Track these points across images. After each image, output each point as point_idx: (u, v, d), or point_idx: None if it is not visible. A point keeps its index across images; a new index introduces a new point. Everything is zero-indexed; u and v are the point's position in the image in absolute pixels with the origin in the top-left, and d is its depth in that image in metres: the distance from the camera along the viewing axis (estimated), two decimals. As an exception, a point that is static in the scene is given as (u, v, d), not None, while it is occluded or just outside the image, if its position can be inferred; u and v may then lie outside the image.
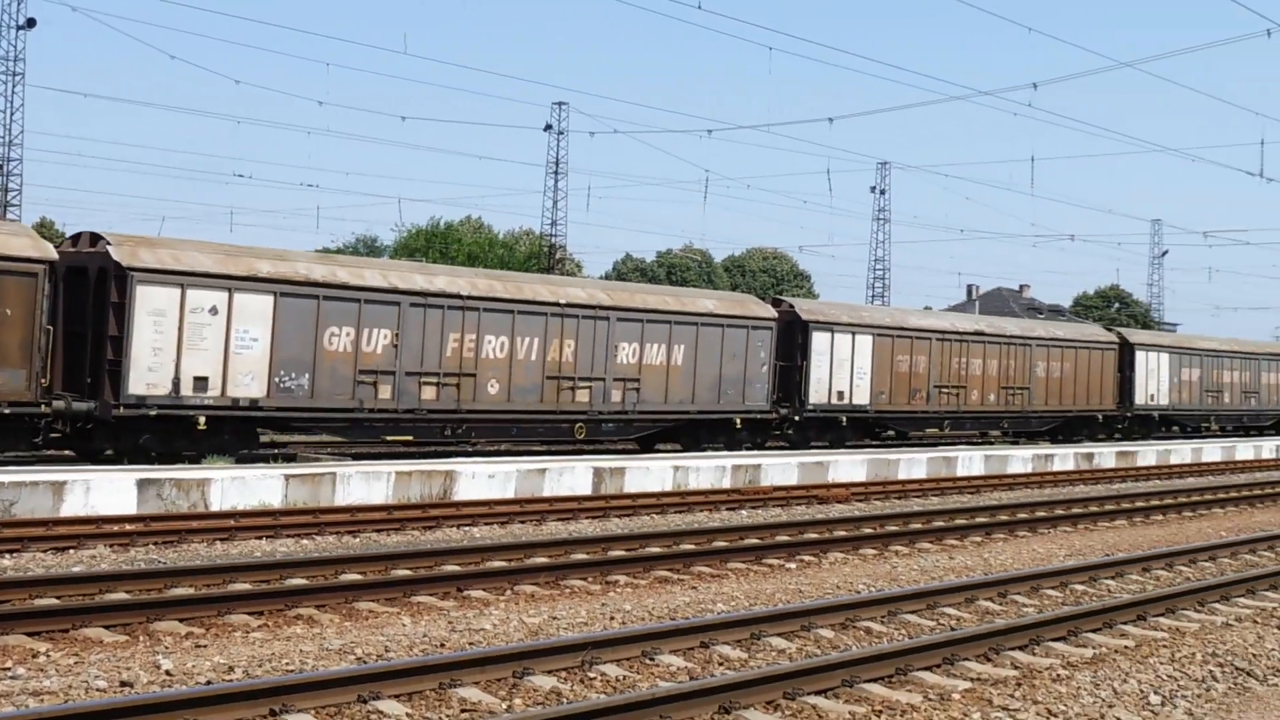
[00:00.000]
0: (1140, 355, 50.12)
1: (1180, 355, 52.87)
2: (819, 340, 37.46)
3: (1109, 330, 53.13)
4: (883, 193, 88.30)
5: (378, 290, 27.38)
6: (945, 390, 41.39)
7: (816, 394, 37.29)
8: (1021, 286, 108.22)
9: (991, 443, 45.00)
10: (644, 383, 32.85)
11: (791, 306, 38.30)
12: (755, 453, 33.57)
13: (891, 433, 41.83)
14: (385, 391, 27.44)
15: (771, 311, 36.85)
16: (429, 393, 28.25)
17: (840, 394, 37.96)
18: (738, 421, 35.20)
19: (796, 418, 37.04)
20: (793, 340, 37.11)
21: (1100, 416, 49.19)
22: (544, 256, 79.02)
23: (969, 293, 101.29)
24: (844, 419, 38.43)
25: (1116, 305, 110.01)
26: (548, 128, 77.71)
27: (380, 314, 27.35)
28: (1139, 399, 49.82)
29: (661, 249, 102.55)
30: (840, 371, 37.92)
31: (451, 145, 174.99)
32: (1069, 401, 47.06)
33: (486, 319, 29.23)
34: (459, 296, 28.80)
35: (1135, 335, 53.32)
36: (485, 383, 29.16)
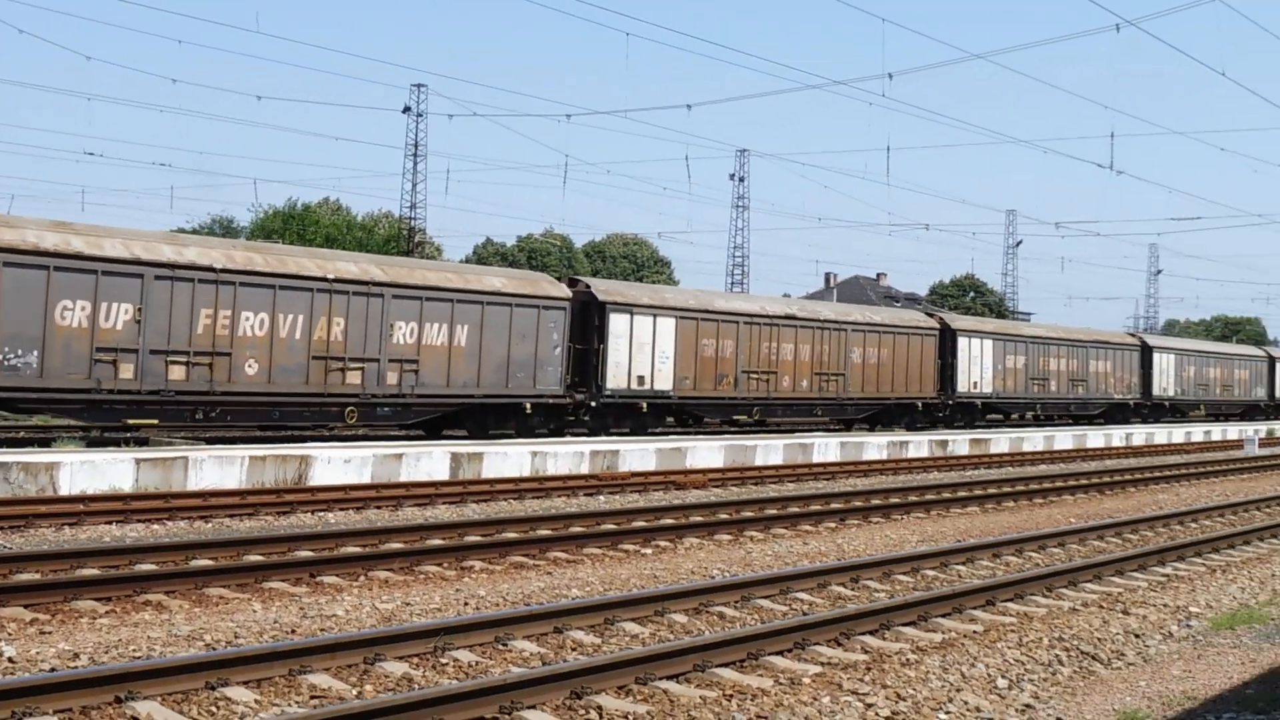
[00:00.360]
0: (963, 341, 49.68)
1: (1005, 342, 52.47)
2: (617, 322, 36.52)
3: (931, 315, 52.25)
4: (742, 180, 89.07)
5: (118, 261, 25.96)
6: (755, 376, 40.54)
7: (615, 378, 36.26)
8: (879, 275, 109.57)
9: (808, 430, 44.96)
10: (423, 364, 31.59)
11: (588, 286, 37.29)
12: (614, 439, 33.64)
13: (718, 421, 41.60)
14: (127, 371, 26.14)
15: (565, 291, 35.78)
16: (177, 373, 26.98)
17: (641, 379, 37.03)
18: (528, 406, 34.02)
19: (593, 403, 36.03)
20: (589, 322, 36.19)
21: (920, 404, 48.41)
22: (403, 239, 78.49)
23: (827, 280, 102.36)
24: (645, 405, 37.45)
25: (972, 294, 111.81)
26: (406, 110, 77.36)
27: (121, 287, 25.95)
28: (961, 386, 49.27)
29: (522, 234, 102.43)
30: (640, 355, 36.98)
31: (309, 126, 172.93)
32: (887, 388, 46.20)
33: (244, 294, 28.04)
34: (211, 269, 27.56)
35: (958, 321, 52.61)
36: (242, 363, 28.01)
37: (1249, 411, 74.92)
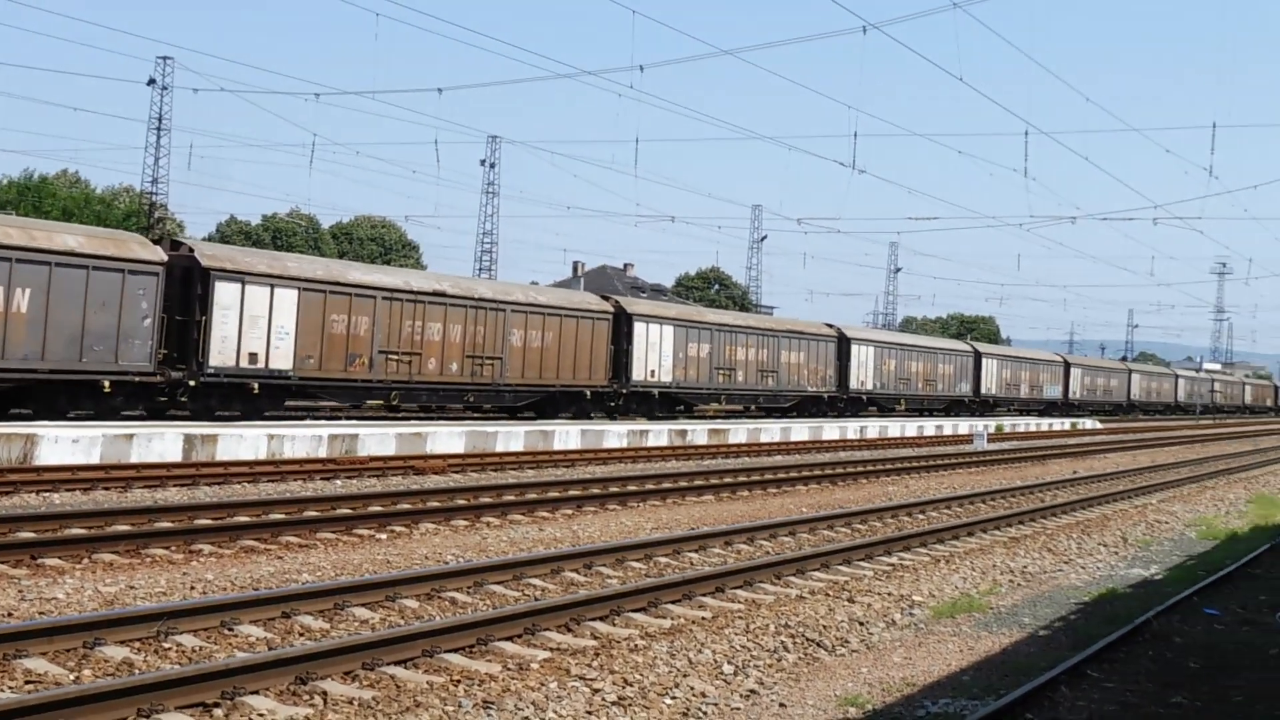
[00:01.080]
0: (640, 326, 46.13)
1: (687, 328, 49.07)
2: (226, 292, 32.20)
3: (606, 299, 47.38)
4: (492, 166, 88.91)
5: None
6: (394, 357, 36.54)
7: (221, 355, 32.09)
8: (626, 265, 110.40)
9: (533, 418, 44.91)
10: None
11: (192, 251, 32.84)
12: (353, 422, 33.36)
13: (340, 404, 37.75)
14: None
15: (159, 254, 31.22)
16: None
17: (253, 356, 32.85)
18: (106, 384, 29.61)
19: (193, 382, 31.81)
20: (192, 290, 31.92)
21: (589, 393, 44.83)
22: (143, 215, 76.47)
23: (574, 269, 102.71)
24: (256, 385, 33.36)
25: (717, 286, 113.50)
26: (151, 82, 75.48)
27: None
28: (637, 374, 45.80)
29: (267, 213, 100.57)
30: (254, 330, 32.79)
31: (46, 95, 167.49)
32: (551, 375, 42.84)
33: None
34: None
35: (634, 305, 49.10)
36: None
37: (953, 407, 74.16)
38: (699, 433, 41.43)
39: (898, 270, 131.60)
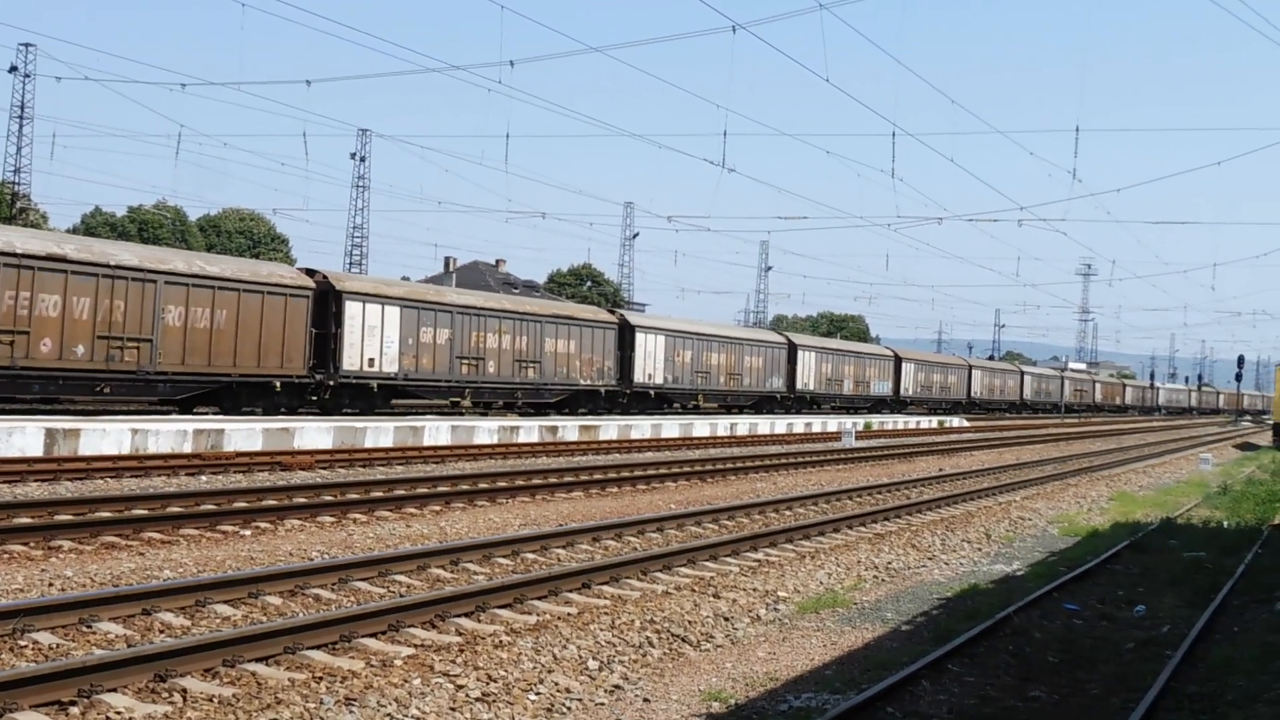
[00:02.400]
0: (353, 306, 39.96)
1: (419, 310, 42.35)
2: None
3: (311, 274, 39.98)
4: (363, 160, 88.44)
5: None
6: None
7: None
8: (498, 261, 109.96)
9: (463, 413, 44.68)
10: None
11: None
12: (220, 418, 32.86)
13: None
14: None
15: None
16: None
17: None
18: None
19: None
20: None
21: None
22: (5, 205, 74.99)
23: (446, 265, 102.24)
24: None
25: (589, 283, 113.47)
26: (13, 69, 74.05)
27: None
28: (349, 364, 39.49)
29: (133, 204, 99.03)
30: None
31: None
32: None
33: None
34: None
35: (346, 281, 42.12)
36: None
37: (763, 404, 68.05)
38: (569, 429, 41.45)
39: (768, 269, 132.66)
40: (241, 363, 35.73)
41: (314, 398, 39.04)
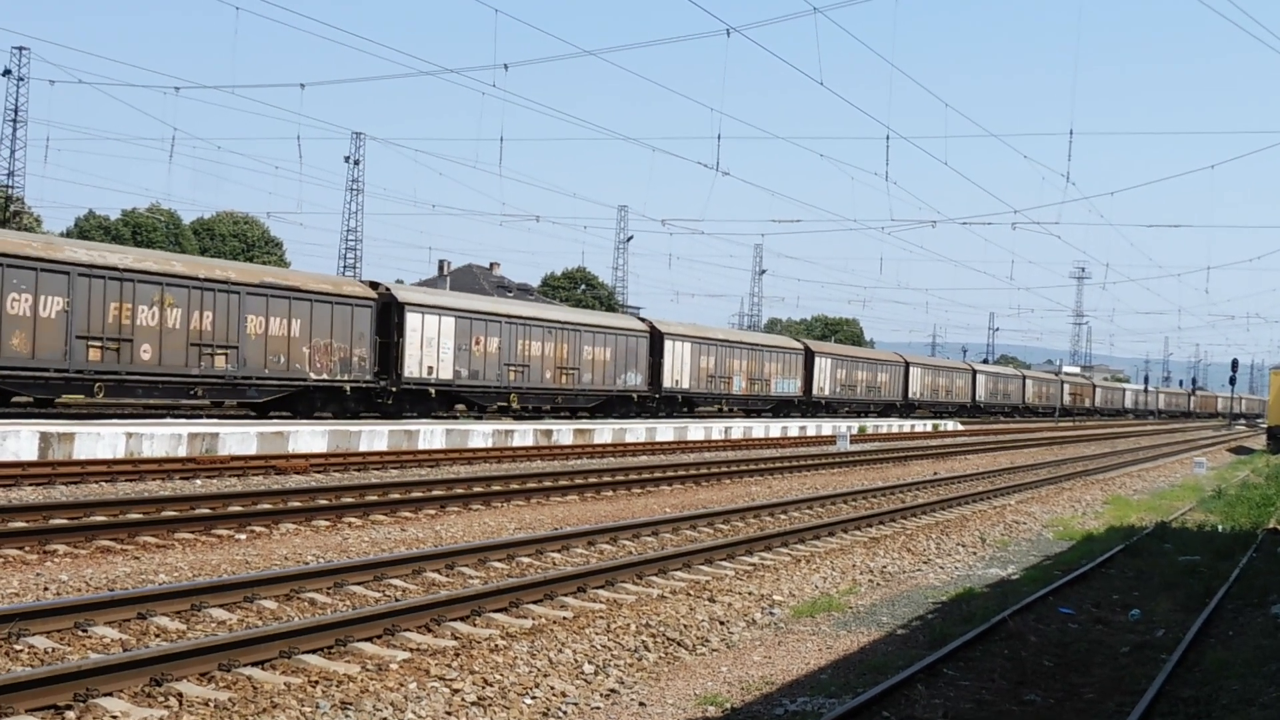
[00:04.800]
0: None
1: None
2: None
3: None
4: (357, 163, 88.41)
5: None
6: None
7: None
8: (492, 264, 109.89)
9: (457, 417, 44.65)
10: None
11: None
12: (214, 421, 32.87)
13: None
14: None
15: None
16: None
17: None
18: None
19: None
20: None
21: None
22: (0, 209, 74.99)
23: (440, 268, 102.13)
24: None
25: (584, 286, 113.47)
26: (7, 73, 74.14)
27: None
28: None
29: (127, 207, 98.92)
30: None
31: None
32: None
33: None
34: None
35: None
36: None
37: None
38: (564, 433, 41.45)
39: (762, 272, 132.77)
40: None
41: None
